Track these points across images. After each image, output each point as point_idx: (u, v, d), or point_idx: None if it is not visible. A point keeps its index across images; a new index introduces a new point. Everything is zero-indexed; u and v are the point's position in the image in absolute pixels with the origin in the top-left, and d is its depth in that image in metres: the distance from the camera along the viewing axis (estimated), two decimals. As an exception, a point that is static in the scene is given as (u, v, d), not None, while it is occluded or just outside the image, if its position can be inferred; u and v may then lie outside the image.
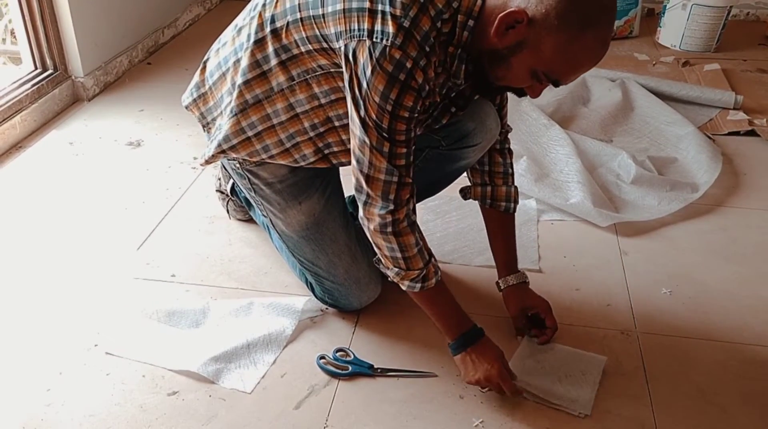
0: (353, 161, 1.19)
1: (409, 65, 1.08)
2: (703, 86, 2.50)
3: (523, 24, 1.07)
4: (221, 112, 1.36)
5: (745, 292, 1.60)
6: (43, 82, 2.35)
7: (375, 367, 1.38)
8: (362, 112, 1.13)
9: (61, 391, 1.34)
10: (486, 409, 1.31)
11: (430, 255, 1.27)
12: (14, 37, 2.55)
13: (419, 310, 1.51)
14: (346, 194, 1.49)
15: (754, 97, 2.47)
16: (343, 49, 1.12)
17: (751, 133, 2.26)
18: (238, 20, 1.32)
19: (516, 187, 1.49)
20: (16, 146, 2.21)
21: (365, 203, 1.21)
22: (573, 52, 1.08)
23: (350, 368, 1.38)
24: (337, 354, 1.42)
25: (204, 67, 1.40)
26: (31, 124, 2.28)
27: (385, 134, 1.14)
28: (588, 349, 1.43)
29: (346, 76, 1.14)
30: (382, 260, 1.28)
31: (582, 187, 1.89)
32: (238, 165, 1.42)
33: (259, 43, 1.23)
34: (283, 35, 1.20)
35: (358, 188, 1.21)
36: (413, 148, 1.19)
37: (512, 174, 1.49)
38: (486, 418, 1.29)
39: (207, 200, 1.92)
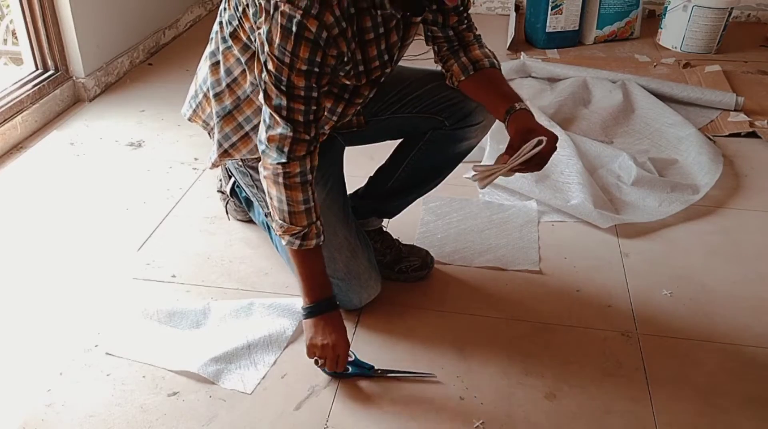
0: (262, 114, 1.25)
1: (298, 16, 1.11)
2: (704, 88, 2.50)
3: None
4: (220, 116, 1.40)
5: (746, 294, 1.60)
6: (44, 83, 2.35)
7: (375, 368, 1.38)
8: (264, 68, 1.18)
9: (61, 391, 1.34)
10: (486, 410, 1.31)
11: (318, 218, 1.30)
12: (15, 37, 2.56)
13: (420, 311, 1.52)
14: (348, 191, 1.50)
15: (755, 99, 2.47)
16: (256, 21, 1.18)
17: (752, 134, 2.26)
18: (220, 20, 1.38)
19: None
20: (17, 147, 2.21)
21: (263, 152, 1.25)
22: None
23: (350, 369, 1.38)
24: (338, 355, 1.42)
25: (197, 76, 1.45)
26: (32, 124, 2.28)
27: (283, 88, 1.17)
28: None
29: (257, 43, 1.19)
30: (271, 211, 1.31)
31: (583, 189, 1.89)
32: (240, 162, 1.44)
33: (231, 44, 1.31)
34: (240, 32, 1.28)
35: (260, 138, 1.25)
36: (316, 108, 1.21)
37: (485, 45, 1.41)
38: (486, 419, 1.29)
39: (208, 201, 1.92)
